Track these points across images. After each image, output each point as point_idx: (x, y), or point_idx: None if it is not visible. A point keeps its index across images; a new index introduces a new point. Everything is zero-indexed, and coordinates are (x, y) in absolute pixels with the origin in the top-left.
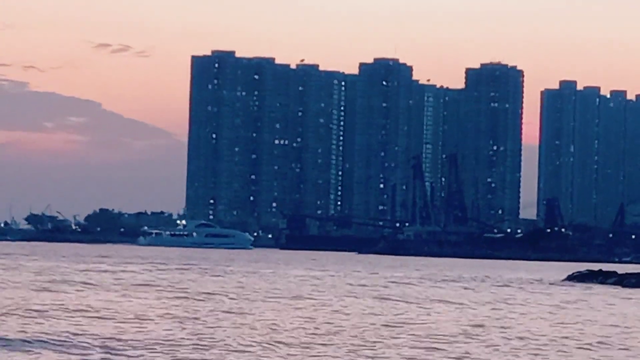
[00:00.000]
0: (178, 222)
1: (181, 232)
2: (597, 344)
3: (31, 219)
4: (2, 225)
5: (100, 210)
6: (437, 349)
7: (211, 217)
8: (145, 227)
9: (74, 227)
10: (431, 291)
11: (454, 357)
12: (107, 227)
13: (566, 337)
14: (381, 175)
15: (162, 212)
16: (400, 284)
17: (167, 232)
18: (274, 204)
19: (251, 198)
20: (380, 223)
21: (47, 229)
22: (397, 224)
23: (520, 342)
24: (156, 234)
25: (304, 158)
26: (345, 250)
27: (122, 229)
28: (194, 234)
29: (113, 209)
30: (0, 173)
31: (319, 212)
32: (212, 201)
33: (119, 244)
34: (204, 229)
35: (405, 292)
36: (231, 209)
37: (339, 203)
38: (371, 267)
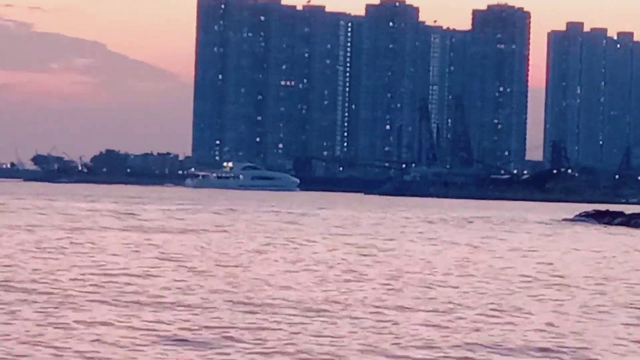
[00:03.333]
0: (224, 164)
1: (228, 175)
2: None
3: (37, 159)
4: (9, 165)
5: (107, 151)
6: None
7: (217, 158)
8: (192, 169)
9: (80, 168)
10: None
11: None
12: (113, 169)
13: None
14: (387, 117)
15: (168, 154)
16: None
17: (214, 175)
18: (280, 146)
19: (257, 139)
20: (386, 164)
21: (53, 170)
22: (403, 166)
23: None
24: (203, 176)
25: (310, 100)
26: (351, 192)
27: (128, 170)
28: (241, 176)
29: (119, 150)
30: (6, 114)
31: (325, 153)
32: (218, 142)
33: (127, 185)
34: (250, 171)
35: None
36: (237, 151)
37: (345, 144)
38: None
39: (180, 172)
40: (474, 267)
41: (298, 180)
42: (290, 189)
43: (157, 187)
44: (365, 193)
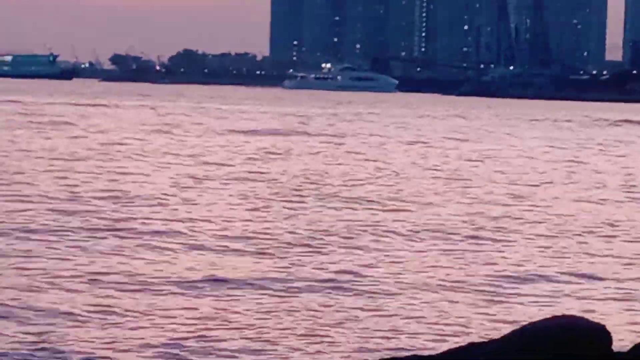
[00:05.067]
0: (323, 65)
1: (326, 76)
2: None
3: (115, 59)
4: (87, 65)
5: (184, 51)
6: None
7: (294, 58)
8: (291, 70)
9: (157, 67)
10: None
11: None
12: (190, 68)
13: None
14: (465, 17)
15: (246, 53)
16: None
17: (312, 76)
18: (358, 46)
19: (335, 40)
20: (465, 65)
21: (130, 69)
22: (482, 66)
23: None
24: (301, 77)
25: (388, 0)
26: (428, 92)
27: (205, 70)
28: (339, 77)
29: (197, 50)
30: (84, 14)
31: (403, 54)
32: (295, 43)
33: (203, 85)
34: (348, 72)
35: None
36: (314, 51)
37: (422, 45)
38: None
39: (257, 72)
40: None
41: (397, 82)
42: (389, 90)
43: (253, 87)
44: (443, 94)
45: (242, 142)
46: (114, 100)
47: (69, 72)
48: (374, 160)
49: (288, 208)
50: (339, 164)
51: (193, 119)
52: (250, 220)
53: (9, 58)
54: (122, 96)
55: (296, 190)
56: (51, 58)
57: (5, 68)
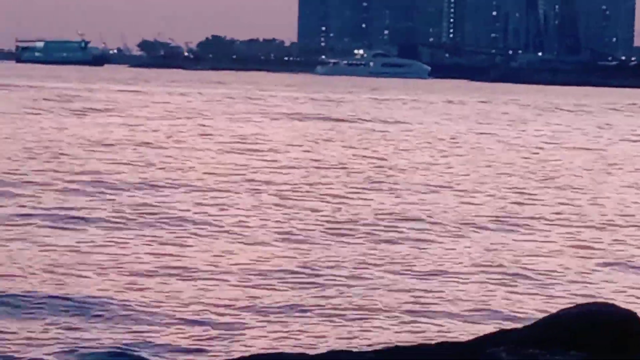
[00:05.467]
0: (355, 51)
1: (358, 62)
2: None
3: (143, 45)
4: (115, 51)
5: (212, 37)
6: None
7: (322, 44)
8: (323, 57)
9: (186, 53)
10: None
11: None
12: (219, 54)
13: None
14: (494, 3)
15: (273, 39)
16: None
17: (344, 62)
18: (386, 32)
19: (363, 26)
20: (493, 51)
21: (159, 56)
22: (510, 52)
23: None
24: (333, 63)
25: None
26: (456, 78)
27: (234, 56)
28: (371, 63)
29: (225, 36)
30: (113, 1)
31: (431, 40)
32: (323, 29)
33: (232, 71)
34: (380, 58)
35: None
36: (342, 37)
37: (450, 31)
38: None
39: (286, 58)
40: None
41: (429, 68)
42: (422, 76)
43: (282, 73)
44: (471, 80)
45: (297, 128)
46: (156, 87)
47: (101, 59)
48: (427, 148)
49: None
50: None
51: (239, 105)
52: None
53: (40, 44)
54: (158, 82)
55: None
56: (83, 44)
57: (37, 54)
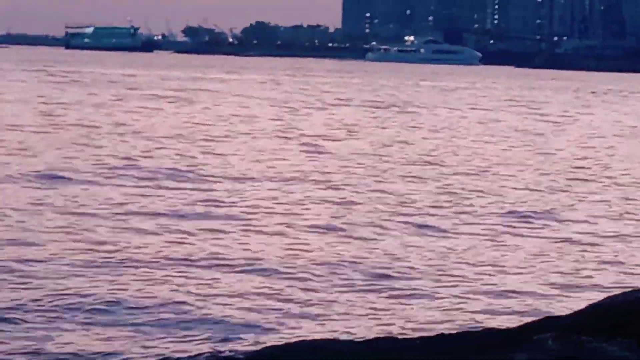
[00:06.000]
0: (406, 38)
1: (409, 49)
2: None
3: (188, 31)
4: (160, 37)
5: (257, 23)
6: None
7: (367, 31)
8: (374, 43)
9: (230, 40)
10: None
11: None
12: (263, 41)
13: None
14: None
15: (318, 26)
16: None
17: (395, 48)
18: (430, 19)
19: (407, 12)
20: (538, 37)
21: (203, 42)
22: (555, 38)
23: None
24: (384, 50)
25: None
26: (501, 64)
27: (278, 42)
28: (422, 50)
29: (269, 22)
30: None
31: (476, 26)
32: (367, 15)
33: (278, 57)
34: (431, 45)
35: None
36: (387, 23)
37: (495, 17)
38: None
39: (330, 44)
40: None
41: (480, 54)
42: (473, 63)
43: (329, 60)
44: (516, 66)
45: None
46: (220, 74)
47: (150, 44)
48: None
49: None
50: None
51: (307, 91)
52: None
53: (90, 30)
54: (212, 68)
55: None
56: (132, 30)
57: (86, 40)
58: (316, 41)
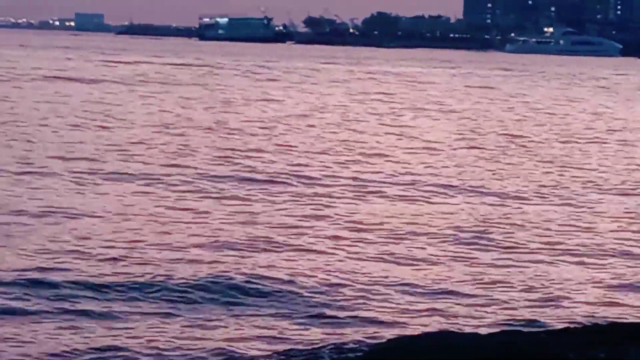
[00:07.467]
0: (545, 29)
1: (547, 40)
2: None
3: (309, 22)
4: (282, 28)
5: (378, 13)
6: None
7: (488, 21)
8: (512, 34)
9: (351, 30)
10: None
11: None
12: (384, 31)
13: None
14: None
15: (439, 16)
16: None
17: (533, 40)
18: (552, 9)
19: (529, 2)
20: None
21: (324, 32)
22: None
23: None
24: (523, 41)
25: None
26: (624, 56)
27: (399, 33)
28: (561, 41)
29: (390, 13)
30: None
31: (599, 16)
32: (489, 5)
33: (397, 48)
34: (570, 36)
35: None
36: (508, 14)
37: (618, 7)
38: None
39: (451, 35)
40: None
41: (620, 46)
42: (614, 54)
43: (451, 50)
44: (639, 57)
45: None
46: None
47: (283, 35)
48: None
49: None
50: None
51: (448, 84)
52: None
53: (224, 21)
54: (351, 60)
55: None
56: (265, 21)
57: (220, 31)
58: (437, 32)
